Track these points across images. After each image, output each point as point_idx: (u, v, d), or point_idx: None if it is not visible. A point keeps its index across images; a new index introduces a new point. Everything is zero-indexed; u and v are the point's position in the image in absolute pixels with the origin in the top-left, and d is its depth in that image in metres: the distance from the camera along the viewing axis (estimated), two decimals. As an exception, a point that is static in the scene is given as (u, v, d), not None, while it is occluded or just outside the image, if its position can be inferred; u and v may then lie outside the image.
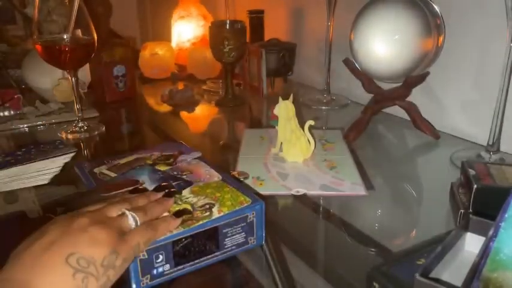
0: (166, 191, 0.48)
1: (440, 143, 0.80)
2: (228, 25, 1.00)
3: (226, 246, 0.46)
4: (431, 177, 0.70)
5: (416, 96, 0.86)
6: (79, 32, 0.83)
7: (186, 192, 0.49)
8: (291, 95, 0.70)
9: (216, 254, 0.45)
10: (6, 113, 0.95)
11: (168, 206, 0.45)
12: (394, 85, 0.85)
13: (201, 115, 1.05)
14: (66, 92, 1.00)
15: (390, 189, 0.66)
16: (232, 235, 0.46)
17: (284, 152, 0.70)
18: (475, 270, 0.33)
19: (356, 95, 1.02)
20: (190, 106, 1.06)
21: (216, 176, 0.53)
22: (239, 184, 0.51)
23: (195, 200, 0.47)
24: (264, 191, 0.61)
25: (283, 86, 1.19)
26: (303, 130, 0.69)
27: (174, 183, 0.51)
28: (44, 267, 0.34)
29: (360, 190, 0.61)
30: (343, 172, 0.66)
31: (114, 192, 0.49)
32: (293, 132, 0.69)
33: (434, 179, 0.69)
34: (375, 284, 0.40)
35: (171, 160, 0.58)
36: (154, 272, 0.41)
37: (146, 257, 0.40)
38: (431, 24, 0.77)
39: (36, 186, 0.66)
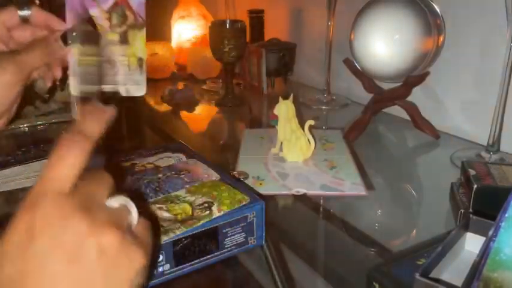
0: None
1: (440, 143, 0.80)
2: (228, 25, 1.00)
3: (226, 246, 0.46)
4: (431, 177, 0.70)
5: (416, 96, 0.86)
6: (79, 32, 0.83)
7: (182, 192, 0.49)
8: (291, 95, 0.70)
9: (216, 254, 0.46)
10: (6, 113, 0.95)
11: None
12: (394, 85, 0.85)
13: (201, 115, 1.05)
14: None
15: (390, 189, 0.66)
16: (232, 235, 0.46)
17: (284, 152, 0.70)
18: (475, 270, 0.33)
19: (356, 95, 1.02)
20: (191, 106, 1.06)
21: (215, 176, 0.53)
22: (236, 182, 0.51)
23: (192, 198, 0.47)
24: (264, 191, 0.61)
25: (283, 86, 1.19)
26: (303, 130, 0.69)
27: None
28: None
29: (360, 190, 0.61)
30: (343, 172, 0.66)
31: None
32: (293, 132, 0.69)
33: (434, 179, 0.69)
34: (374, 284, 0.40)
35: None
36: (154, 272, 0.41)
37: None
38: (432, 24, 0.77)
39: (36, 186, 0.66)
